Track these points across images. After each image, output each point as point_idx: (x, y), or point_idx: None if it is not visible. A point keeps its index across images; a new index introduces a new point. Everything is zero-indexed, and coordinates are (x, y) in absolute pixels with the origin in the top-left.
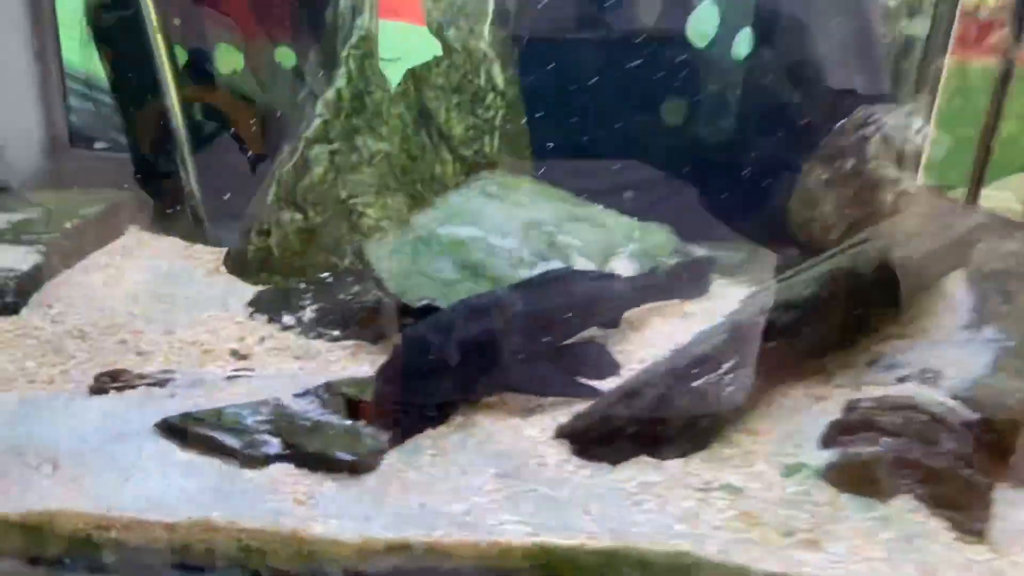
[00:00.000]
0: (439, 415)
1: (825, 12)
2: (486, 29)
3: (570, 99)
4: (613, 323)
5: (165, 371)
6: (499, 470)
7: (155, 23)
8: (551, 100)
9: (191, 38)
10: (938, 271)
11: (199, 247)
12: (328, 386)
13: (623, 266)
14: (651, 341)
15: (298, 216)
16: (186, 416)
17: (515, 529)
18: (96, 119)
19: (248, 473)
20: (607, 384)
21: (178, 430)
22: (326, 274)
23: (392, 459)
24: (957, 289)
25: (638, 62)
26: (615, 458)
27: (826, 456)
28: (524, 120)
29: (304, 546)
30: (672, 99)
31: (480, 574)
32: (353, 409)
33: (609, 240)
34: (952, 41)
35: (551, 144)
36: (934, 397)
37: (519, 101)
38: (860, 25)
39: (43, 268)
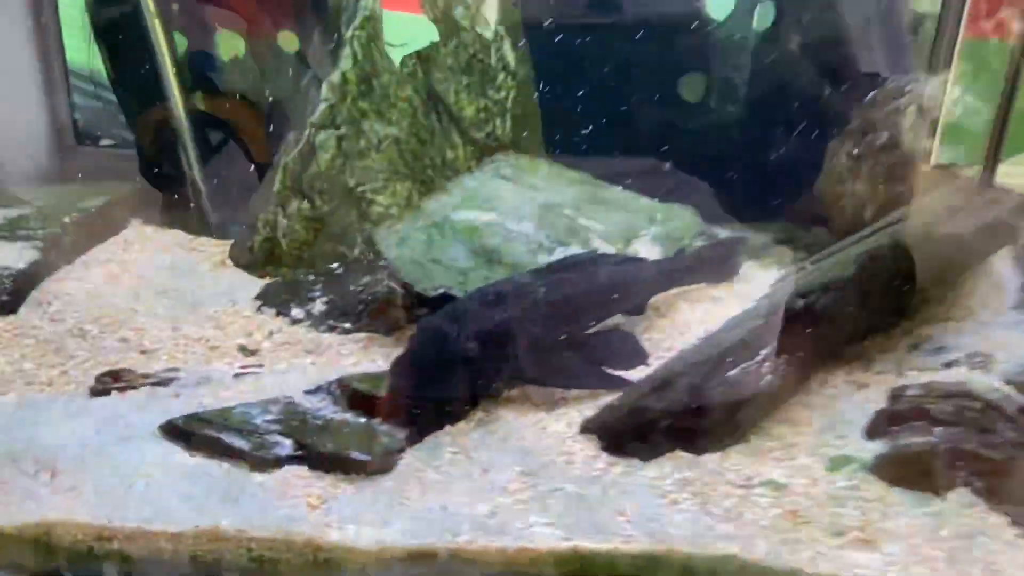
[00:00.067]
0: (458, 410)
1: None
2: (496, 5)
3: (584, 79)
4: (639, 309)
5: (169, 369)
6: (524, 468)
7: (153, 11)
8: (564, 80)
9: (191, 26)
10: (984, 249)
11: (204, 240)
12: (340, 382)
13: (646, 249)
14: (680, 328)
15: (305, 205)
16: (191, 417)
17: (545, 532)
18: (101, 116)
19: (258, 477)
20: (635, 374)
21: (183, 432)
22: (336, 265)
23: (410, 458)
24: (1004, 268)
25: (653, 39)
26: (647, 453)
27: (874, 448)
28: (536, 100)
29: (319, 554)
30: (688, 76)
31: None
32: (367, 406)
33: (630, 223)
34: (965, 17)
35: (565, 126)
36: (987, 382)
37: (531, 80)
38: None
39: (40, 265)
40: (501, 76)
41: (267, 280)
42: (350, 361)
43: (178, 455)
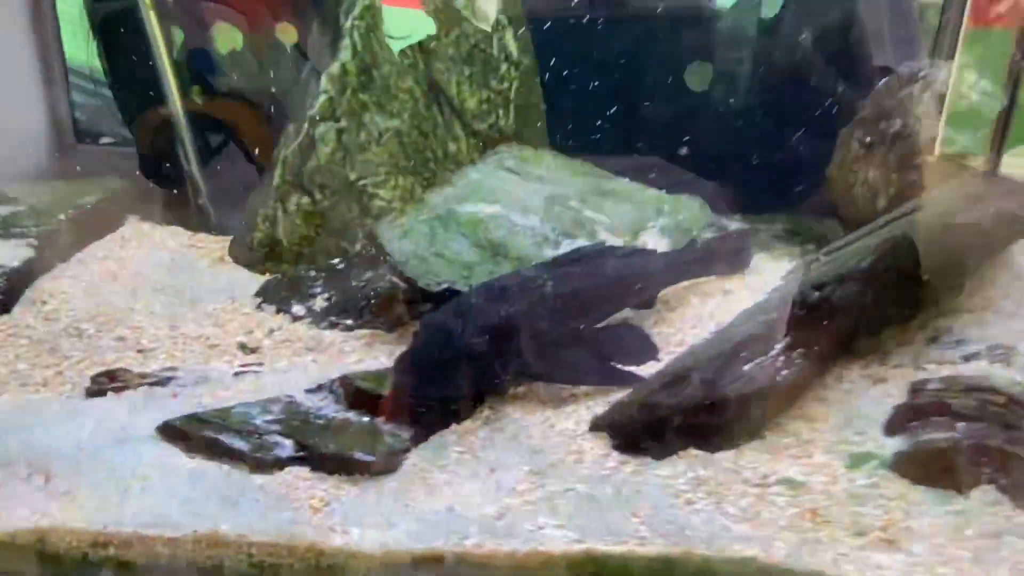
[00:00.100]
0: (464, 409)
1: None
2: None
3: (588, 69)
4: (648, 303)
5: (167, 369)
6: (532, 467)
7: (149, 3)
8: (568, 70)
9: (188, 21)
10: (1003, 239)
11: (202, 236)
12: (343, 380)
13: (654, 241)
14: (690, 321)
15: (305, 199)
16: (190, 418)
17: (556, 535)
18: (101, 114)
19: (258, 479)
20: (645, 370)
21: (181, 433)
22: (337, 260)
23: (415, 458)
24: None
25: (658, 27)
26: (660, 452)
27: (894, 444)
28: (540, 91)
29: (322, 559)
30: (694, 65)
31: None
32: (371, 404)
33: (638, 214)
34: (968, 7)
35: (569, 117)
36: (1010, 376)
37: (534, 70)
38: None
39: (35, 263)
40: (504, 66)
41: (267, 276)
42: (352, 359)
43: (176, 457)
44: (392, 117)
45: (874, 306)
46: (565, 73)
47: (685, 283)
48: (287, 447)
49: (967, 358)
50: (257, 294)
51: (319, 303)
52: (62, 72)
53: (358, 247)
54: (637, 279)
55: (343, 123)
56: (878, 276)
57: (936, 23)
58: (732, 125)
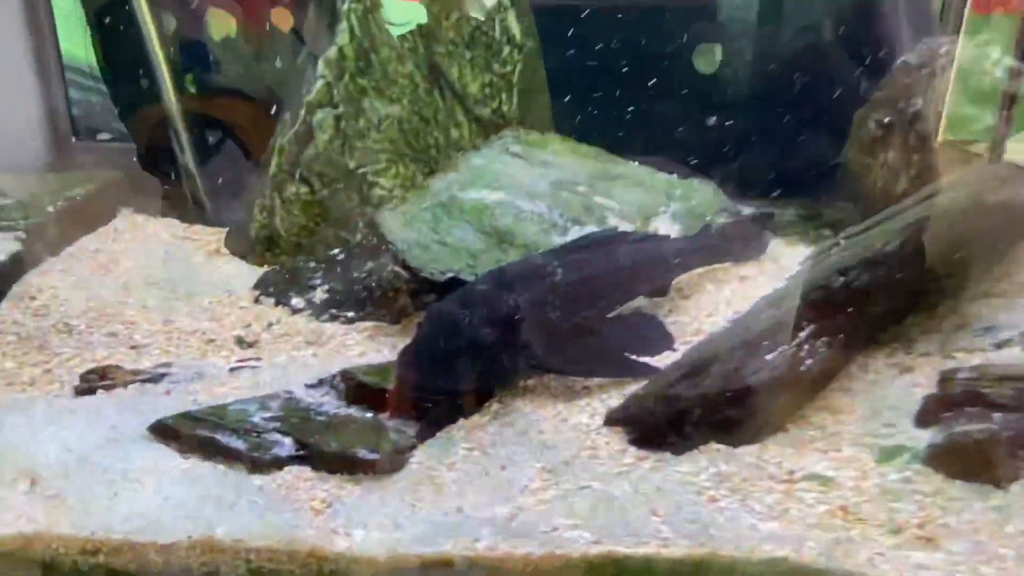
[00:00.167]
0: (472, 403)
1: None
2: None
3: (594, 52)
4: (662, 291)
5: (161, 365)
6: (545, 464)
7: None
8: (574, 54)
9: (180, 8)
10: None
11: (198, 228)
12: (344, 374)
13: (666, 227)
14: (706, 309)
15: (303, 189)
16: (184, 416)
17: (572, 536)
18: (98, 110)
19: (256, 480)
20: (661, 360)
21: (174, 432)
22: (337, 251)
23: (421, 456)
24: None
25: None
26: (679, 446)
27: (926, 436)
28: (544, 74)
29: (324, 565)
30: (702, 47)
31: None
32: (374, 399)
33: (649, 200)
34: None
35: (575, 102)
36: None
37: (538, 53)
38: None
39: (23, 257)
40: (506, 49)
41: (265, 268)
42: (354, 352)
43: (169, 458)
44: (392, 103)
45: (899, 291)
46: (570, 57)
47: (700, 270)
48: (286, 446)
49: (999, 345)
50: (255, 287)
51: (319, 295)
52: (58, 68)
53: (358, 237)
54: (651, 266)
55: (341, 109)
56: (905, 260)
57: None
58: (741, 108)
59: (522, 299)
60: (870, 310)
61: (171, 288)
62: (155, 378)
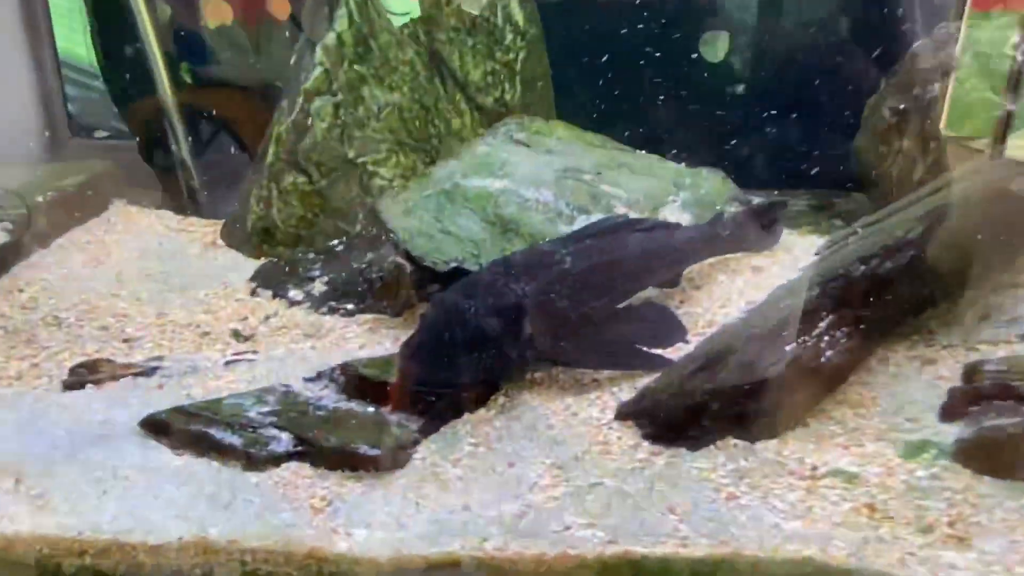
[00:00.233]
0: (477, 396)
1: None
2: None
3: (599, 41)
4: (673, 281)
5: (153, 358)
6: (554, 460)
7: None
8: (578, 42)
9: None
10: None
11: (193, 220)
12: (344, 367)
13: (675, 217)
14: (719, 300)
15: (301, 179)
16: (177, 410)
17: (586, 535)
18: (95, 107)
19: (253, 477)
20: (673, 352)
21: (166, 427)
22: (336, 242)
23: (425, 452)
24: None
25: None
26: (695, 441)
27: (952, 431)
28: (548, 62)
29: (324, 567)
30: (709, 35)
31: None
32: (375, 393)
33: (656, 188)
34: None
35: (579, 91)
36: None
37: (541, 41)
38: None
39: (10, 248)
40: (509, 36)
41: (262, 260)
42: (355, 345)
43: (160, 454)
44: (392, 90)
45: (920, 281)
46: (574, 45)
47: (711, 260)
48: (284, 441)
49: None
50: (251, 279)
51: (318, 287)
52: (55, 66)
53: (358, 227)
54: (662, 255)
55: (340, 97)
56: (927, 248)
57: None
58: (749, 96)
59: (529, 288)
60: (891, 300)
61: (165, 280)
62: (147, 372)
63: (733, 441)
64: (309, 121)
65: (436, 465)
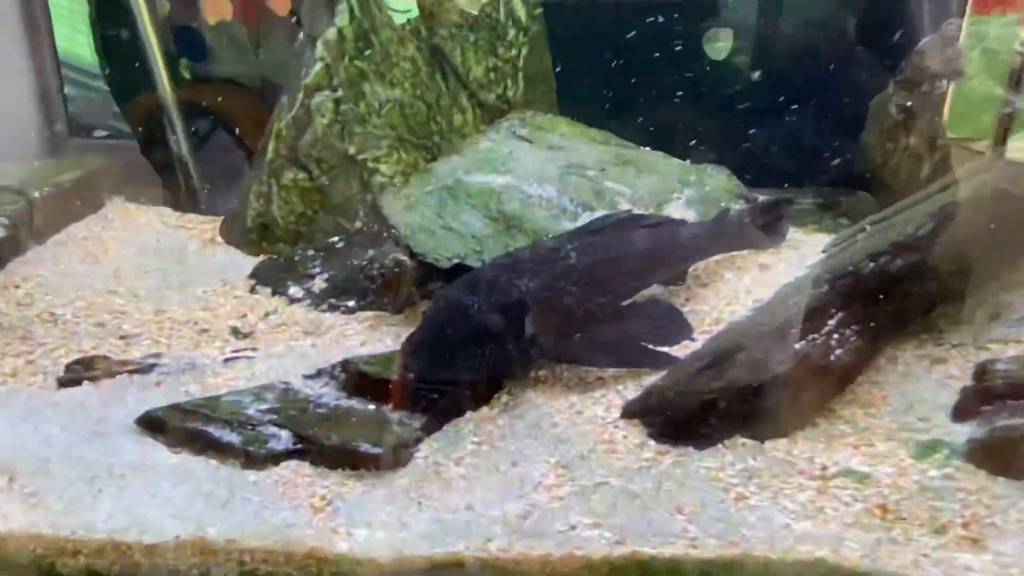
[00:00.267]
0: (480, 394)
1: None
2: None
3: (602, 36)
4: (679, 278)
5: (151, 355)
6: (559, 459)
7: None
8: (581, 39)
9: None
10: None
11: (191, 216)
12: (345, 364)
13: (680, 214)
14: (725, 298)
15: (301, 175)
16: (174, 408)
17: (592, 535)
18: (95, 108)
19: (251, 475)
20: (679, 350)
21: (164, 425)
22: (336, 239)
23: (427, 450)
24: None
25: None
26: (703, 440)
27: (964, 431)
28: (550, 59)
29: (324, 567)
30: (713, 32)
31: None
32: (376, 391)
33: (661, 185)
34: None
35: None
36: None
37: (544, 37)
38: None
39: (6, 245)
40: (512, 32)
41: (262, 257)
42: (355, 342)
43: (157, 452)
44: (393, 86)
45: (929, 279)
46: (577, 42)
47: (717, 257)
48: (283, 439)
49: None
50: (251, 276)
51: (318, 284)
52: (54, 65)
53: (359, 224)
54: (667, 251)
55: (340, 93)
56: (937, 246)
57: None
58: (754, 93)
59: (533, 285)
60: (901, 298)
61: (163, 277)
62: (144, 369)
63: (741, 440)
64: (310, 117)
65: (438, 464)
